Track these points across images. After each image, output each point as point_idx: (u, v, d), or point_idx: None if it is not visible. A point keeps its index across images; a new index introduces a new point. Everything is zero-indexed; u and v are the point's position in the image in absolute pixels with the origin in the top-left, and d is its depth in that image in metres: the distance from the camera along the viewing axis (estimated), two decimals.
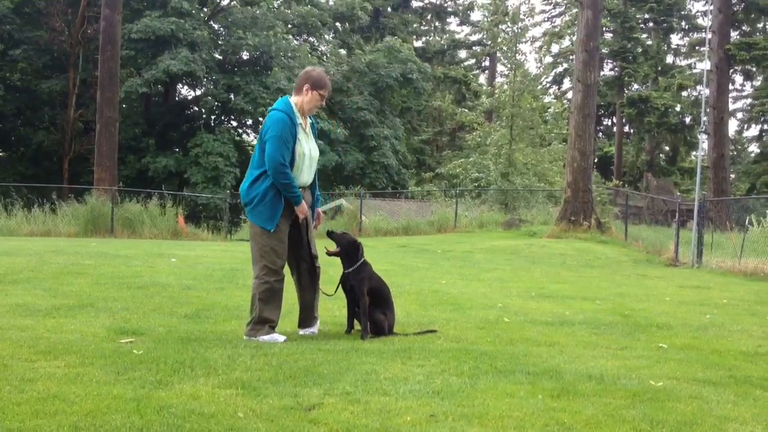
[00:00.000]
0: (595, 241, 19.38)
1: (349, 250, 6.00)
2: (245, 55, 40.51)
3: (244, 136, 44.03)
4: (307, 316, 5.95)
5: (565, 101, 43.53)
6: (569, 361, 5.17)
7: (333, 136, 40.48)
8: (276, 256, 5.65)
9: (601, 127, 55.97)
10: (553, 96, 52.02)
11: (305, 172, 5.76)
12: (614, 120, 53.50)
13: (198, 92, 42.32)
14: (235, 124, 42.83)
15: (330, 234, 6.06)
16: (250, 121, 42.09)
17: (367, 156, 42.02)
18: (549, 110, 36.57)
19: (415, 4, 58.09)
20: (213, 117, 41.57)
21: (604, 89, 46.24)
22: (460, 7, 57.62)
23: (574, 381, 4.52)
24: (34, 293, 7.61)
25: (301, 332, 5.95)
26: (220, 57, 40.89)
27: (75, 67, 37.28)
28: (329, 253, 6.02)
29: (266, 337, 5.54)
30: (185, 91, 44.46)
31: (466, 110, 39.07)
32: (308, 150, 5.76)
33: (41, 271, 9.32)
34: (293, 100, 5.78)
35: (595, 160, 35.89)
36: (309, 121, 5.86)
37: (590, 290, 9.94)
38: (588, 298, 9.00)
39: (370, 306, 5.90)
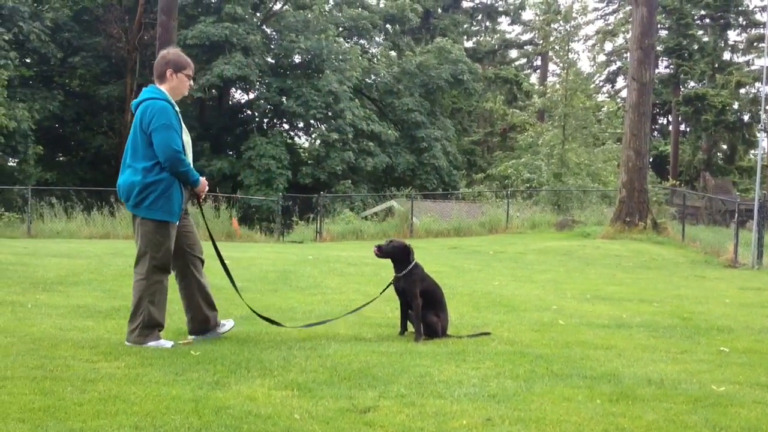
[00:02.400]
0: (651, 242, 19.01)
1: (399, 255, 5.98)
2: (297, 59, 40.90)
3: (296, 138, 44.49)
4: (204, 316, 5.56)
5: (618, 100, 42.80)
6: (628, 364, 5.08)
7: (384, 138, 40.58)
8: (168, 253, 5.29)
9: (657, 126, 54.91)
10: (606, 95, 51.24)
11: (189, 161, 5.39)
12: (670, 118, 52.43)
13: (251, 96, 42.88)
14: (287, 126, 43.28)
15: (379, 249, 6.01)
16: (301, 124, 42.49)
17: (417, 157, 42.03)
18: (602, 109, 36.02)
19: (465, 4, 57.86)
20: (266, 120, 42.08)
21: (659, 87, 45.33)
22: (511, 7, 57.16)
23: (633, 385, 4.44)
24: (94, 295, 7.78)
25: (208, 336, 5.57)
26: (273, 61, 41.35)
27: (132, 72, 38.11)
28: (379, 255, 6.02)
29: (153, 343, 5.20)
30: (239, 95, 45.15)
31: (518, 110, 38.70)
32: (187, 139, 5.42)
33: (101, 273, 9.53)
34: (162, 88, 5.40)
35: (651, 160, 35.26)
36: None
37: (647, 292, 9.75)
38: (645, 300, 8.83)
39: (423, 308, 5.87)
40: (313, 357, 5.00)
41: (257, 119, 41.79)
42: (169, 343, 5.27)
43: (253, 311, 5.97)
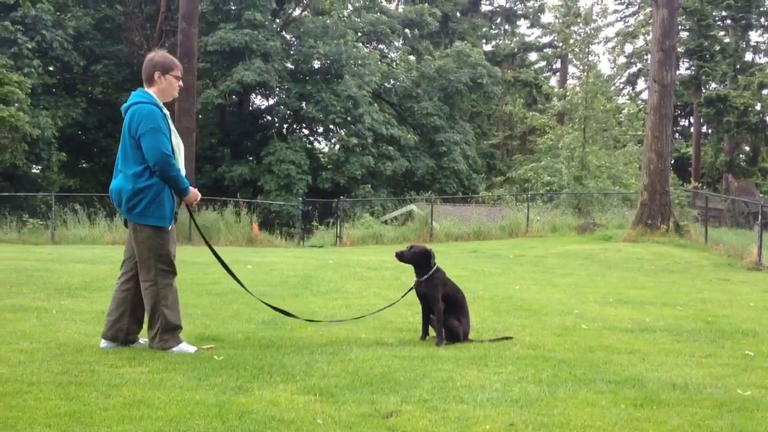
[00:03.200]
0: (673, 245, 18.85)
1: (420, 260, 5.98)
2: (316, 64, 41.05)
3: (316, 143, 44.64)
4: (125, 326, 5.35)
5: (639, 102, 42.53)
6: (652, 369, 5.04)
7: (403, 142, 40.61)
8: (171, 256, 5.28)
9: (678, 128, 54.50)
10: (627, 97, 50.92)
11: (181, 165, 5.30)
12: (691, 120, 52.00)
13: (271, 102, 43.11)
14: (306, 132, 43.45)
15: (400, 256, 6.01)
16: (321, 129, 42.62)
17: (437, 161, 42.01)
18: (623, 111, 35.79)
19: (484, 8, 57.78)
20: (285, 125, 42.27)
21: (680, 89, 44.97)
22: (530, 10, 57.03)
23: (657, 390, 4.41)
24: None
25: (114, 346, 5.32)
26: (292, 66, 41.52)
27: None
28: (401, 261, 6.03)
29: (176, 349, 5.21)
30: (258, 101, 45.38)
31: (537, 113, 38.55)
32: (177, 141, 5.30)
33: None
34: (151, 92, 5.31)
35: (672, 162, 35.02)
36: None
37: (670, 296, 9.67)
38: (668, 303, 8.76)
39: (445, 312, 5.87)
40: (335, 362, 5.01)
41: (277, 125, 41.98)
42: (192, 348, 5.29)
43: (268, 305, 6.05)
